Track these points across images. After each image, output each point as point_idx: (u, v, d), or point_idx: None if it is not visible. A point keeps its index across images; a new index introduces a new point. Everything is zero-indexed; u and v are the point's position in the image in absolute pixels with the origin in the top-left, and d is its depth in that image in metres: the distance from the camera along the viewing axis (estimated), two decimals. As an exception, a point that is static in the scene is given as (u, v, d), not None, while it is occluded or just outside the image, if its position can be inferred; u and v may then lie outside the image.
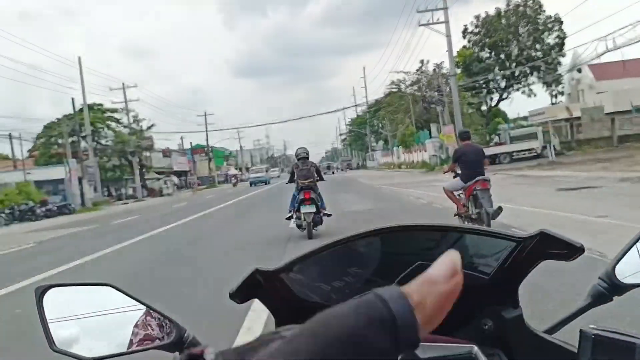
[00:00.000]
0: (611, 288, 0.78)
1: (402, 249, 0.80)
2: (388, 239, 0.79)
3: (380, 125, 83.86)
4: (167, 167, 58.52)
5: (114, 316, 0.83)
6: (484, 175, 7.35)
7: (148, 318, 0.83)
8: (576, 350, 0.69)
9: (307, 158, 8.75)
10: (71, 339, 0.80)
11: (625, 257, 0.78)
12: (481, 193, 7.27)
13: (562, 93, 46.28)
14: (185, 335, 0.82)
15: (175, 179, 52.14)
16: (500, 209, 6.86)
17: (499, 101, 43.42)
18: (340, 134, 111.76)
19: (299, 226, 8.47)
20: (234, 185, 47.29)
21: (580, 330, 0.69)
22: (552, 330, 0.82)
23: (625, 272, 0.78)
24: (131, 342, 0.80)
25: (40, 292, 0.81)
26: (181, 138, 66.12)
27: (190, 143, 64.27)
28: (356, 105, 73.79)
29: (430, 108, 40.04)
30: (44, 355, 1.01)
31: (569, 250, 0.73)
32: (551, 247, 0.74)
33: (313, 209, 8.33)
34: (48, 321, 0.79)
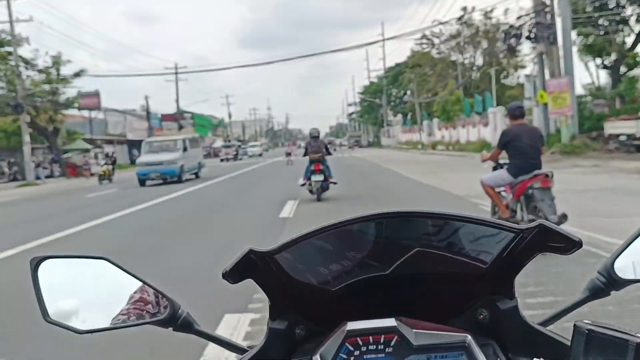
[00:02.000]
0: (609, 283, 0.80)
1: (400, 234, 0.79)
2: (386, 225, 0.79)
3: (402, 93, 65.82)
4: (121, 134, 46.97)
5: (109, 290, 0.85)
6: (541, 167, 5.55)
7: (143, 293, 0.85)
8: (569, 344, 0.71)
9: (318, 137, 11.75)
10: (65, 310, 0.82)
11: (624, 252, 0.79)
12: (540, 193, 5.42)
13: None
14: (180, 311, 0.84)
15: (109, 150, 32.82)
16: (565, 216, 5.17)
17: (635, 43, 24.92)
18: (349, 104, 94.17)
19: (310, 191, 11.26)
20: (101, 179, 24.02)
21: (575, 325, 0.71)
22: (546, 322, 0.83)
23: (624, 267, 0.79)
24: (125, 317, 0.83)
25: (36, 263, 0.82)
26: (146, 98, 47.99)
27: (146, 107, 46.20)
28: (380, 39, 54.71)
29: (516, 46, 20.54)
30: (38, 326, 1.01)
31: (567, 244, 0.75)
32: (549, 240, 0.76)
33: (322, 177, 11.17)
34: (42, 292, 0.81)
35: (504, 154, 5.97)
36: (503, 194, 6.00)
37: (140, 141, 49.70)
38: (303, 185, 11.62)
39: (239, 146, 54.32)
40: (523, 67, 49.39)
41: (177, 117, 54.47)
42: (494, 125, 28.49)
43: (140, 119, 45.72)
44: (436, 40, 55.23)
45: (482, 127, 32.50)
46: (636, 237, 0.79)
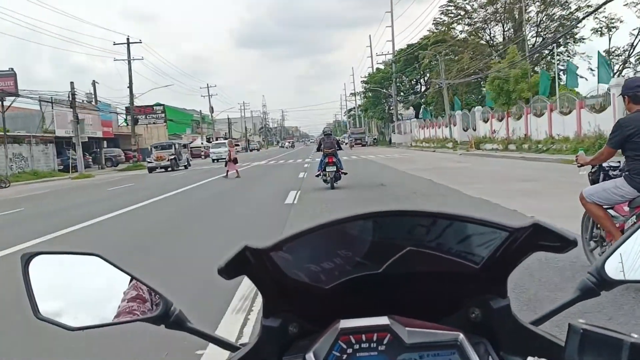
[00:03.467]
0: (599, 283, 0.82)
1: (393, 234, 0.82)
2: (379, 223, 0.82)
3: (414, 82, 52.75)
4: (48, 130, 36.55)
5: (101, 287, 0.87)
6: None
7: (135, 290, 0.87)
8: (563, 344, 0.74)
9: (331, 135, 14.65)
10: (56, 307, 0.84)
11: (615, 253, 0.82)
12: None
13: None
14: (172, 309, 0.87)
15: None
16: None
17: None
18: (352, 93, 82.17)
19: (325, 180, 13.81)
20: None
21: (569, 325, 0.73)
22: (538, 321, 0.86)
23: (614, 268, 0.82)
24: (117, 314, 0.85)
25: (27, 259, 0.84)
26: (93, 83, 33.94)
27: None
28: None
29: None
30: (29, 323, 1.06)
31: (562, 243, 0.76)
32: (544, 239, 0.77)
33: (334, 168, 13.65)
34: (33, 289, 0.83)
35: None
36: (612, 212, 4.34)
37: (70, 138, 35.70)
38: (318, 175, 14.20)
39: (183, 146, 37.44)
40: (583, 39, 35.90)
41: (129, 109, 40.65)
42: (621, 108, 15.04)
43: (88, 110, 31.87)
44: (469, 7, 41.58)
45: (589, 112, 18.83)
46: (626, 239, 0.83)
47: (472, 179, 14.78)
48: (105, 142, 46.55)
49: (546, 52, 33.87)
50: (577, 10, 31.38)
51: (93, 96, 44.03)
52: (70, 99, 33.61)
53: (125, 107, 51.28)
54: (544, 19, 39.36)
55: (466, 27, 44.27)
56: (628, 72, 34.74)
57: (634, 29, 34.54)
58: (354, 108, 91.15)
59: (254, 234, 8.16)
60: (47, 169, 35.03)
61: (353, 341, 0.73)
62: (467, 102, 40.67)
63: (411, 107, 61.71)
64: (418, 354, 0.72)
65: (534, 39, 36.54)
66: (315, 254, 0.81)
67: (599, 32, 36.98)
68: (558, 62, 35.90)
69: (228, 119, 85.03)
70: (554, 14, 39.67)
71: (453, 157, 28.63)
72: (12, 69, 34.48)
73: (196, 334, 0.86)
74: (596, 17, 34.53)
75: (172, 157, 33.28)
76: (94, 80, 43.94)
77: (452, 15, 45.62)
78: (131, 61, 40.74)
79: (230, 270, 0.76)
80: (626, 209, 4.31)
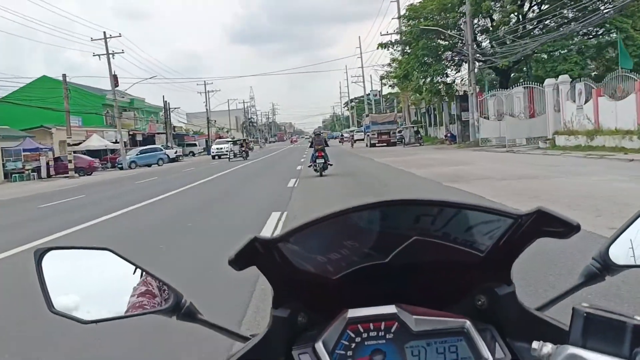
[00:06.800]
0: (604, 268, 0.85)
1: (399, 223, 0.86)
2: (385, 213, 0.85)
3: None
4: None
5: (113, 281, 0.93)
6: None
7: (146, 284, 0.92)
8: (567, 328, 0.75)
9: (320, 134, 21.61)
10: (69, 301, 0.89)
11: (619, 238, 0.85)
12: None
13: None
14: (183, 301, 0.92)
15: None
16: None
17: None
18: (379, 44, 46.17)
19: (315, 170, 19.83)
20: None
21: (573, 308, 0.74)
22: (544, 307, 0.91)
23: (619, 253, 0.84)
24: (129, 307, 0.90)
25: (40, 255, 0.88)
26: None
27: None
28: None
29: None
30: (43, 317, 1.02)
31: (565, 229, 0.79)
32: (548, 225, 0.80)
33: (323, 161, 19.55)
34: (47, 284, 0.88)
35: None
36: None
37: None
38: (310, 166, 19.65)
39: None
40: None
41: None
42: None
43: None
44: None
45: None
46: (630, 224, 0.86)
47: None
48: None
49: None
50: None
51: None
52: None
53: None
54: None
55: None
56: None
57: None
58: (354, 100, 72.59)
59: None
60: None
61: (361, 330, 0.76)
62: None
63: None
64: (425, 341, 0.76)
65: None
66: (322, 245, 0.83)
67: None
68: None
69: (164, 101, 51.95)
70: None
71: None
72: None
73: (207, 325, 0.90)
74: None
75: None
76: None
77: None
78: None
79: (240, 261, 0.77)
80: None
